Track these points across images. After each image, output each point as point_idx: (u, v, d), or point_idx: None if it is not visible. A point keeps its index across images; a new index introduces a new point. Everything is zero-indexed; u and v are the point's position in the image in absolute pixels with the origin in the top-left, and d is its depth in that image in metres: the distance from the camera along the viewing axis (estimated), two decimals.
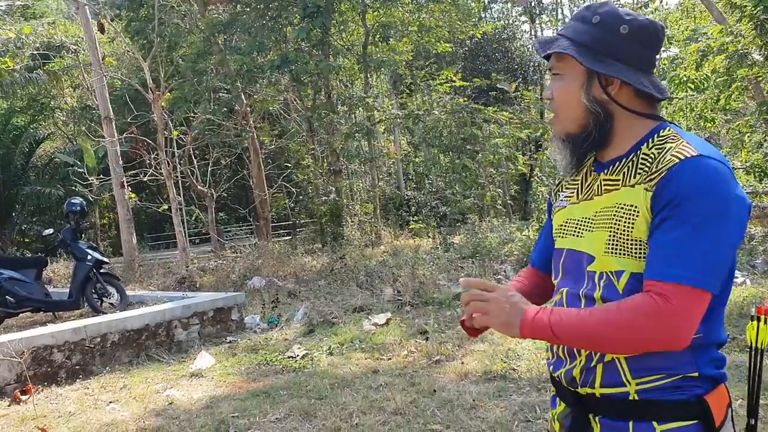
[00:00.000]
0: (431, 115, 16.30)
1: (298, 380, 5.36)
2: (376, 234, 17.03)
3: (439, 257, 11.30)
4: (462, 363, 5.41)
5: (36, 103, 24.15)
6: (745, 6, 13.78)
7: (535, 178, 23.11)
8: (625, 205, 1.35)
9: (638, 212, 1.33)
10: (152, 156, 14.35)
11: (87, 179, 17.42)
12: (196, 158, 17.26)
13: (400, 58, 17.65)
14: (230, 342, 7.01)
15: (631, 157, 1.39)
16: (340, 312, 8.02)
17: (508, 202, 20.75)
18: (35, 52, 20.54)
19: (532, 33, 31.08)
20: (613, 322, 1.28)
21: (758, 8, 12.57)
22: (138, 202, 17.06)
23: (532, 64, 24.52)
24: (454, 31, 18.73)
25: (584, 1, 39.21)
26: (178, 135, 15.33)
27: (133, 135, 14.82)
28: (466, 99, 17.55)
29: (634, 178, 1.36)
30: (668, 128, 1.40)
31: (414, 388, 4.88)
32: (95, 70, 15.59)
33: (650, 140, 1.39)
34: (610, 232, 1.37)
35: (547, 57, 1.49)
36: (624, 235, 1.34)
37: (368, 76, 18.20)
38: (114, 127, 15.48)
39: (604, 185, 1.43)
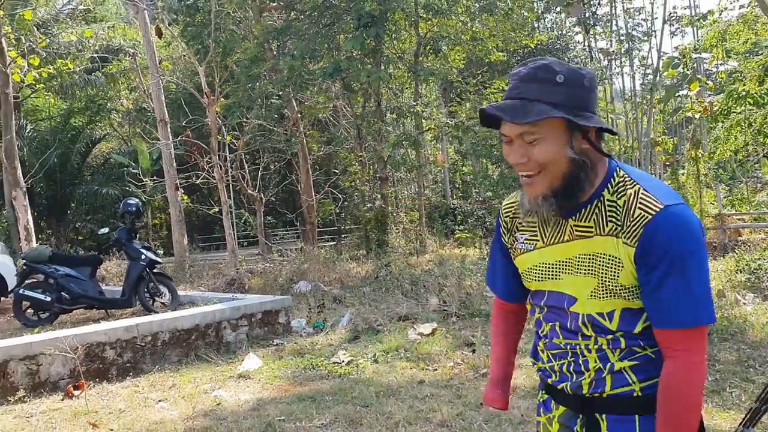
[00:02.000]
0: (481, 124, 16.20)
1: (343, 386, 5.36)
2: (421, 242, 16.98)
3: (486, 268, 11.19)
4: None
5: (93, 104, 24.83)
6: None
7: None
8: (606, 255, 1.48)
9: (622, 264, 1.46)
10: (205, 159, 14.62)
11: (141, 180, 17.86)
12: (246, 163, 17.53)
13: (453, 65, 17.60)
14: (277, 345, 7.07)
15: (595, 203, 1.50)
16: (384, 320, 8.00)
17: None
18: (95, 55, 21.15)
19: (586, 44, 30.72)
20: (693, 408, 1.46)
21: None
22: (190, 204, 17.39)
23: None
24: (507, 41, 18.60)
25: (639, 13, 38.61)
26: (230, 139, 15.60)
27: (187, 138, 15.13)
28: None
29: (607, 226, 1.48)
30: (618, 169, 1.52)
31: (460, 400, 4.83)
32: (152, 74, 15.98)
33: (609, 185, 1.50)
34: (598, 279, 1.49)
35: (494, 124, 1.53)
36: (611, 282, 1.48)
37: (418, 84, 18.20)
38: (168, 129, 15.82)
39: (576, 231, 1.53)
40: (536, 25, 27.00)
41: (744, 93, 15.29)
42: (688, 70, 16.45)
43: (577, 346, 1.55)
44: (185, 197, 16.63)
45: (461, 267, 11.41)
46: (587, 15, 31.66)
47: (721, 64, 21.56)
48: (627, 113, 37.90)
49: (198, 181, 15.76)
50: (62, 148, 22.33)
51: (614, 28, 38.40)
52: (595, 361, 1.53)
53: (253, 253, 19.06)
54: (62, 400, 5.40)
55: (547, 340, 1.63)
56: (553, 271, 1.58)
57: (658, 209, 1.43)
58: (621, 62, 40.46)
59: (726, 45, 22.88)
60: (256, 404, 5.05)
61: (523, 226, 1.66)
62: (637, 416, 1.51)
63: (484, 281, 10.08)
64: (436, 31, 17.00)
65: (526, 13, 19.31)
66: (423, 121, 17.83)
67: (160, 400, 5.30)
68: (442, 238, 18.14)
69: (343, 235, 22.73)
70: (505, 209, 1.74)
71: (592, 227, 1.51)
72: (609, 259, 1.48)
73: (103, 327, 6.32)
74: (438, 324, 7.55)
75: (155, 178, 19.15)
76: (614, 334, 1.51)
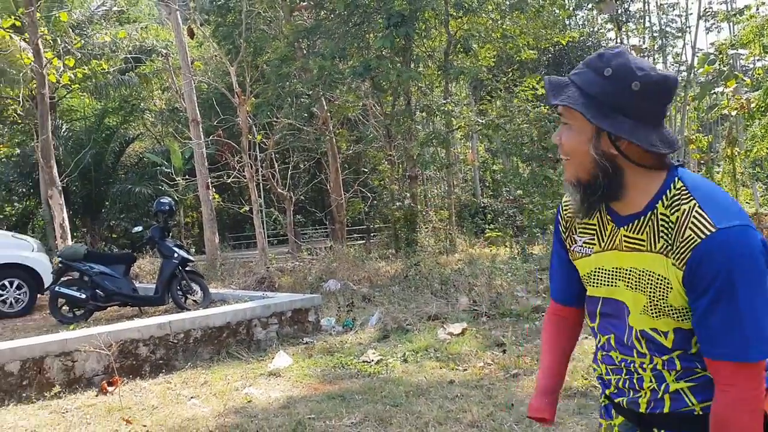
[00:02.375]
0: (512, 123, 16.07)
1: (372, 385, 5.36)
2: (451, 241, 16.91)
3: (517, 268, 11.10)
4: None
5: (127, 104, 25.18)
6: None
7: None
8: (655, 273, 1.40)
9: (671, 286, 1.38)
10: (236, 158, 14.74)
11: (173, 179, 18.08)
12: (276, 162, 17.64)
13: (483, 63, 17.49)
14: (307, 343, 7.10)
15: (649, 215, 1.41)
16: (414, 319, 7.99)
17: None
18: (128, 56, 21.45)
19: (618, 41, 30.30)
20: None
21: None
22: (221, 203, 17.57)
23: None
24: (538, 39, 18.43)
25: (673, 9, 37.93)
26: (260, 139, 15.70)
27: (218, 138, 15.27)
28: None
29: (658, 242, 1.39)
30: (677, 180, 1.40)
31: (491, 401, 4.80)
32: (184, 74, 16.16)
33: (664, 197, 1.40)
34: (648, 297, 1.42)
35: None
36: (661, 301, 1.41)
37: (448, 83, 18.13)
38: (200, 129, 15.99)
39: (626, 242, 1.45)
40: (568, 23, 26.73)
41: None
42: (724, 66, 16.14)
43: (632, 364, 1.49)
44: (216, 196, 16.80)
45: (492, 266, 11.33)
46: (619, 11, 31.22)
47: (758, 60, 21.12)
48: None
49: (229, 180, 15.90)
50: (97, 148, 22.69)
51: (647, 24, 37.88)
52: (651, 381, 1.48)
53: (282, 251, 19.19)
54: (96, 396, 5.48)
55: (603, 353, 1.57)
56: (610, 278, 1.51)
57: (709, 232, 1.32)
58: (654, 59, 39.90)
59: (763, 40, 22.39)
60: (286, 402, 5.08)
61: (582, 228, 1.59)
62: None
63: (515, 281, 10.02)
64: (467, 29, 16.91)
65: (557, 11, 19.12)
66: (453, 119, 17.75)
67: (192, 397, 5.35)
68: (472, 237, 18.04)
69: (372, 234, 22.77)
70: (564, 206, 1.65)
71: (644, 241, 1.42)
72: (658, 279, 1.40)
73: (137, 324, 6.42)
74: (468, 324, 7.51)
75: (187, 177, 19.37)
76: (670, 354, 1.44)
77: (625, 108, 1.36)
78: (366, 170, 22.79)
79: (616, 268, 1.48)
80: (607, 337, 1.55)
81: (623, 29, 32.26)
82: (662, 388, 1.46)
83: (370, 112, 18.97)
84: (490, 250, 15.52)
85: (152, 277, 12.71)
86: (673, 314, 1.41)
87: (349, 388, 5.35)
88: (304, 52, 17.13)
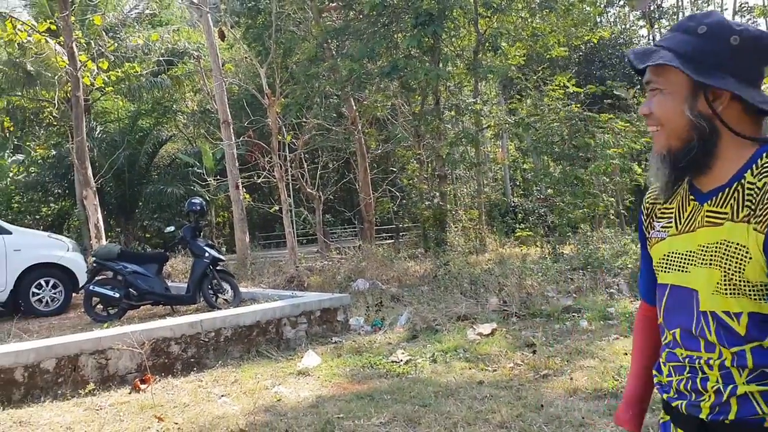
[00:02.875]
0: (542, 121, 15.95)
1: (401, 385, 5.36)
2: (481, 241, 16.83)
3: (548, 268, 11.01)
4: (571, 379, 5.24)
5: (160, 106, 25.53)
6: None
7: None
8: (732, 243, 1.30)
9: (750, 255, 1.28)
10: (266, 159, 14.87)
11: (205, 179, 18.30)
12: (306, 162, 17.75)
13: (513, 62, 17.38)
14: (335, 342, 7.13)
15: (735, 186, 1.33)
16: (443, 319, 7.96)
17: (622, 212, 19.96)
18: (160, 58, 21.75)
19: (651, 38, 29.86)
20: None
21: None
22: (251, 203, 17.73)
23: None
24: (569, 36, 18.25)
25: (708, 4, 37.29)
26: (290, 139, 15.80)
27: (248, 138, 15.41)
28: (579, 106, 17.07)
29: (742, 211, 1.30)
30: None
31: (520, 401, 4.77)
32: (215, 76, 16.33)
33: (753, 166, 1.31)
34: (723, 271, 1.31)
35: (642, 71, 1.40)
36: (736, 274, 1.30)
37: (477, 82, 18.05)
38: (231, 130, 16.15)
39: (708, 217, 1.36)
40: (599, 20, 26.42)
41: None
42: None
43: (697, 360, 1.38)
44: (247, 196, 16.95)
45: (522, 266, 11.25)
46: (652, 8, 30.74)
47: None
48: None
49: (259, 180, 16.04)
50: (130, 149, 23.06)
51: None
52: (717, 381, 1.35)
53: (312, 250, 19.29)
54: (129, 393, 5.57)
55: (668, 350, 1.47)
56: (681, 262, 1.42)
57: None
58: None
59: None
60: (315, 401, 5.10)
61: (661, 213, 1.51)
62: None
63: (546, 281, 9.94)
64: (496, 27, 16.82)
65: (588, 8, 18.90)
66: (482, 118, 17.67)
67: (222, 395, 5.41)
68: (502, 236, 17.93)
69: (401, 234, 22.76)
70: (647, 196, 1.60)
71: (726, 213, 1.33)
72: (736, 248, 1.30)
73: (169, 323, 6.51)
74: (498, 324, 7.47)
75: (218, 177, 19.57)
76: (742, 345, 1.32)
77: (724, 64, 1.31)
78: (395, 169, 22.79)
79: (690, 252, 1.40)
80: (672, 331, 1.44)
81: (656, 26, 31.76)
82: (729, 390, 1.33)
83: (399, 111, 18.98)
84: (521, 250, 15.40)
85: (184, 276, 12.87)
86: (749, 292, 1.30)
87: (377, 387, 5.35)
88: (333, 52, 17.20)
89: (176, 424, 4.72)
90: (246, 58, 19.58)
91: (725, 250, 1.32)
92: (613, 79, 20.86)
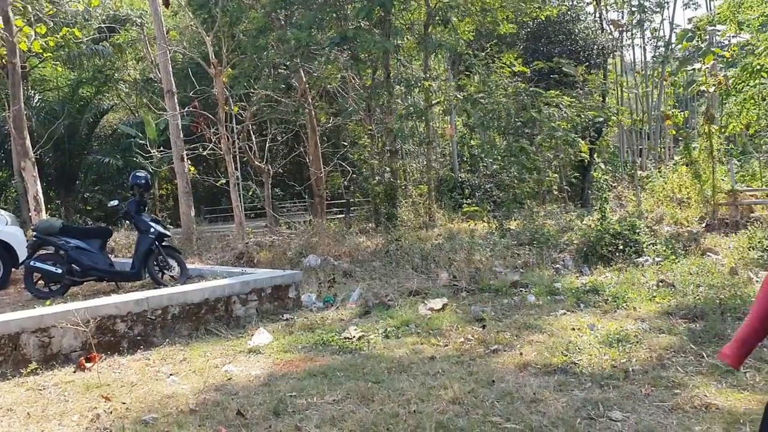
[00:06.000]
0: (490, 97, 16.04)
1: (354, 362, 5.36)
2: (431, 216, 16.93)
3: (496, 243, 11.15)
4: (521, 354, 5.33)
5: (101, 74, 24.70)
6: None
7: (596, 165, 22.60)
8: None
9: None
10: (212, 130, 14.55)
11: (148, 151, 17.81)
12: (254, 134, 17.43)
13: (462, 37, 17.36)
14: (287, 320, 7.07)
15: None
16: (395, 294, 7.99)
17: (566, 188, 20.35)
18: (102, 25, 20.97)
19: (597, 15, 30.21)
20: None
21: None
22: (196, 175, 17.36)
23: (596, 47, 23.82)
24: (517, 12, 18.32)
25: None
26: (237, 110, 15.49)
27: (194, 109, 15.04)
28: (526, 83, 17.22)
29: None
30: None
31: (472, 377, 4.82)
32: (159, 44, 15.82)
33: None
34: None
35: None
36: None
37: (427, 56, 17.99)
38: (175, 100, 15.71)
39: None
40: None
41: (758, 67, 15.07)
42: (702, 43, 16.21)
43: None
44: (192, 168, 16.58)
45: (470, 242, 11.37)
46: None
47: (733, 37, 21.23)
48: (638, 86, 37.51)
49: (205, 153, 15.70)
50: (70, 119, 22.26)
51: None
52: None
53: (260, 225, 19.06)
54: (74, 372, 5.42)
55: None
56: None
57: None
58: (632, 34, 39.91)
59: (739, 17, 22.49)
60: (266, 379, 5.06)
61: None
62: None
63: (494, 256, 10.06)
64: (446, 2, 16.75)
65: None
66: (432, 94, 17.65)
67: (171, 374, 5.31)
68: (450, 212, 18.07)
69: (352, 209, 22.69)
70: None
71: None
72: None
73: (114, 300, 6.33)
74: (448, 299, 7.55)
75: (162, 149, 19.08)
76: None
77: None
78: (346, 144, 22.64)
79: None
80: None
81: (602, 3, 32.15)
82: None
83: (350, 84, 18.79)
84: (468, 225, 15.55)
85: (128, 251, 12.55)
86: None
87: (330, 364, 5.33)
88: (282, 22, 16.85)
89: (124, 404, 4.61)
90: (191, 25, 19.06)
91: None
92: (559, 56, 21.08)
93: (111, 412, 4.44)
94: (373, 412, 4.22)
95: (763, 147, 21.25)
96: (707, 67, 15.57)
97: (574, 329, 6.07)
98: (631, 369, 4.81)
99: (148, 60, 19.30)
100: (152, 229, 8.81)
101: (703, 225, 13.13)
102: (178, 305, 6.53)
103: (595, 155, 22.79)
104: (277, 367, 5.39)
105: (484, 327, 6.29)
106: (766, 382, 4.43)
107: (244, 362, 5.60)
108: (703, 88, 15.48)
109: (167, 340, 6.32)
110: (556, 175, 19.70)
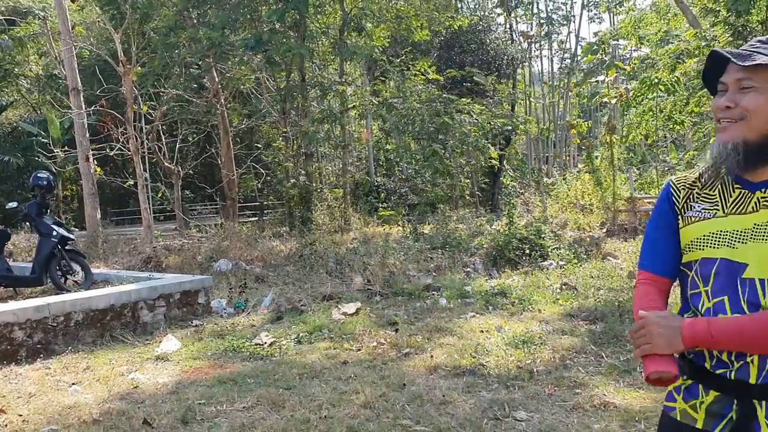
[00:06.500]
0: (405, 103, 16.25)
1: (265, 368, 5.32)
2: (346, 220, 16.97)
3: (410, 247, 11.31)
4: (431, 356, 5.43)
5: (0, 68, 23.46)
6: (719, 11, 14.00)
7: (505, 171, 23.28)
8: None
9: None
10: (120, 130, 14.08)
11: (51, 150, 17.04)
12: (164, 134, 16.99)
13: (378, 44, 17.52)
14: (196, 326, 6.93)
15: None
16: (308, 299, 7.98)
17: (477, 193, 20.86)
18: (0, 17, 19.91)
19: (507, 26, 31.16)
20: None
21: (732, 14, 12.79)
22: (103, 176, 16.73)
23: (506, 57, 24.55)
24: (431, 21, 18.66)
25: None
26: (147, 110, 15.05)
27: (101, 108, 14.50)
28: (439, 89, 17.56)
29: None
30: None
31: (383, 381, 4.88)
32: (64, 39, 15.18)
33: None
34: None
35: (718, 71, 1.63)
36: None
37: (343, 61, 18.04)
38: (81, 98, 15.11)
39: (763, 202, 1.57)
40: (459, 6, 27.22)
41: (656, 80, 15.95)
42: (605, 56, 17.01)
43: None
44: (98, 169, 15.98)
45: (385, 246, 11.48)
46: None
47: (634, 51, 22.41)
48: (545, 96, 38.92)
49: (112, 153, 15.17)
50: None
51: (535, 11, 39.20)
52: None
53: (170, 228, 18.57)
54: None
55: (712, 316, 1.59)
56: (730, 240, 1.58)
57: None
58: (540, 46, 41.43)
59: (640, 32, 23.76)
60: (174, 387, 4.95)
61: (699, 197, 1.69)
62: None
63: (408, 260, 10.20)
64: (361, 8, 16.86)
65: None
66: (347, 98, 17.72)
67: (73, 383, 5.11)
68: (366, 216, 18.17)
69: (265, 212, 22.43)
70: (678, 182, 1.76)
71: None
72: None
73: (12, 307, 6.03)
74: (362, 303, 7.59)
75: (66, 148, 18.31)
76: None
77: None
78: (259, 146, 22.37)
79: (739, 230, 1.58)
80: (719, 299, 1.58)
81: (512, 14, 33.20)
82: None
83: (264, 86, 18.60)
84: (384, 229, 15.69)
85: (28, 255, 11.96)
86: None
87: (241, 371, 5.27)
88: (195, 21, 16.50)
89: (20, 416, 4.40)
90: (98, 21, 18.35)
91: None
92: (471, 65, 21.63)
93: (6, 425, 4.23)
94: (283, 418, 4.21)
95: (660, 156, 22.48)
96: (610, 80, 16.36)
97: (482, 331, 6.25)
98: (535, 370, 5.00)
99: (51, 56, 18.44)
100: (54, 233, 8.44)
101: (604, 230, 13.74)
102: (82, 311, 6.29)
103: (505, 162, 23.49)
104: (185, 375, 5.28)
105: (396, 331, 6.37)
106: None
107: (151, 370, 5.45)
108: (605, 99, 16.23)
109: (70, 348, 6.08)
110: (468, 180, 20.18)
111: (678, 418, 1.65)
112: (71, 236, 8.80)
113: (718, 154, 1.59)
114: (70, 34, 15.08)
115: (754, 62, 1.53)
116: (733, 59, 1.55)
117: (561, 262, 9.82)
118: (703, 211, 1.66)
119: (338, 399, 4.50)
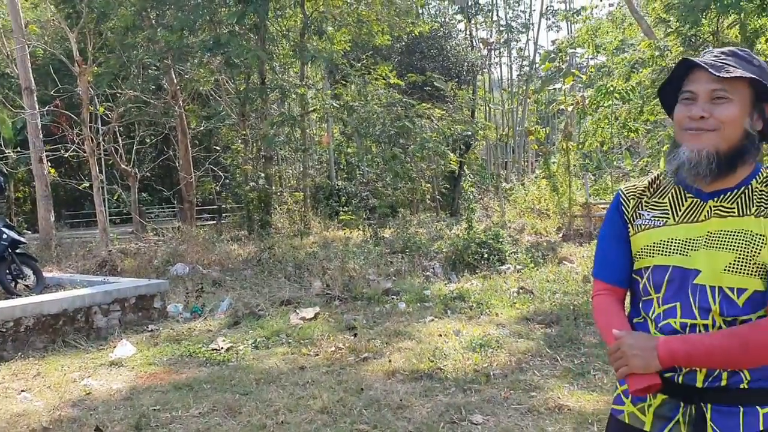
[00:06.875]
0: (366, 106, 16.27)
1: (222, 374, 5.27)
2: (306, 224, 16.89)
3: (370, 251, 11.32)
4: (389, 361, 5.45)
5: None
6: (672, 21, 14.36)
7: (465, 176, 23.48)
8: (749, 232, 1.55)
9: (765, 242, 1.53)
10: (75, 131, 13.80)
11: (2, 151, 16.60)
12: (121, 136, 16.70)
13: (338, 48, 17.51)
14: (152, 331, 6.82)
15: (741, 189, 1.60)
16: (266, 304, 7.93)
17: (438, 198, 21.00)
18: None
19: (468, 33, 31.46)
20: (752, 344, 1.49)
21: (684, 25, 13.12)
22: (57, 178, 16.38)
23: (466, 63, 24.78)
24: (392, 26, 18.73)
25: (519, 5, 39.98)
26: (103, 111, 14.78)
27: (55, 108, 14.19)
28: (400, 94, 17.63)
29: (753, 208, 1.57)
30: (765, 168, 1.64)
31: (341, 386, 4.87)
32: (16, 37, 14.81)
33: (758, 176, 1.61)
34: (736, 254, 1.54)
35: (679, 77, 1.64)
36: (752, 258, 1.53)
37: (304, 65, 17.99)
38: (35, 98, 14.76)
39: (715, 211, 1.60)
40: (420, 12, 27.38)
41: (612, 88, 16.27)
42: (562, 64, 17.29)
43: (694, 329, 1.56)
44: (52, 171, 15.64)
45: (345, 250, 11.48)
46: (470, 3, 32.45)
47: (591, 59, 22.84)
48: (504, 102, 39.38)
49: (67, 154, 14.85)
50: None
51: (495, 18, 39.66)
52: None
53: (126, 231, 18.24)
54: None
55: (663, 322, 1.60)
56: (682, 248, 1.60)
57: None
58: (500, 53, 41.90)
59: (596, 41, 24.22)
60: (128, 393, 4.87)
61: (649, 205, 1.71)
62: (741, 408, 1.53)
63: (367, 264, 10.21)
64: (321, 11, 16.84)
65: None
66: (308, 100, 17.66)
67: (23, 390, 5.00)
68: (326, 219, 18.12)
69: (223, 215, 22.19)
70: (627, 191, 1.78)
71: (733, 209, 1.58)
72: (751, 236, 1.54)
73: None
74: (321, 308, 7.58)
75: (19, 149, 17.85)
76: (736, 317, 1.53)
77: None
78: (218, 148, 22.13)
79: (691, 239, 1.60)
80: (670, 305, 1.60)
81: (473, 21, 33.54)
82: None
83: (223, 88, 18.42)
84: (344, 233, 15.67)
85: None
86: (758, 273, 1.52)
87: (197, 377, 5.21)
88: (153, 21, 16.27)
89: None
90: (53, 19, 17.97)
91: (741, 237, 1.55)
92: (432, 70, 21.76)
93: None
94: (240, 424, 4.18)
95: (615, 163, 22.94)
96: (567, 87, 16.64)
97: (441, 335, 6.29)
98: (492, 373, 5.05)
99: (3, 54, 17.96)
100: (4, 236, 8.20)
101: (560, 235, 13.97)
102: (33, 317, 6.14)
103: (465, 167, 23.69)
104: (140, 380, 5.20)
105: (355, 335, 6.37)
106: (612, 383, 4.79)
107: (105, 375, 5.35)
108: (562, 107, 16.50)
109: (20, 354, 5.93)
110: (428, 185, 20.30)
111: (626, 421, 1.68)
112: (22, 239, 8.57)
113: (688, 160, 1.59)
114: (22, 32, 14.73)
115: (731, 75, 1.55)
116: (711, 70, 1.56)
117: (518, 267, 9.95)
118: (653, 219, 1.68)
119: (295, 404, 4.48)
